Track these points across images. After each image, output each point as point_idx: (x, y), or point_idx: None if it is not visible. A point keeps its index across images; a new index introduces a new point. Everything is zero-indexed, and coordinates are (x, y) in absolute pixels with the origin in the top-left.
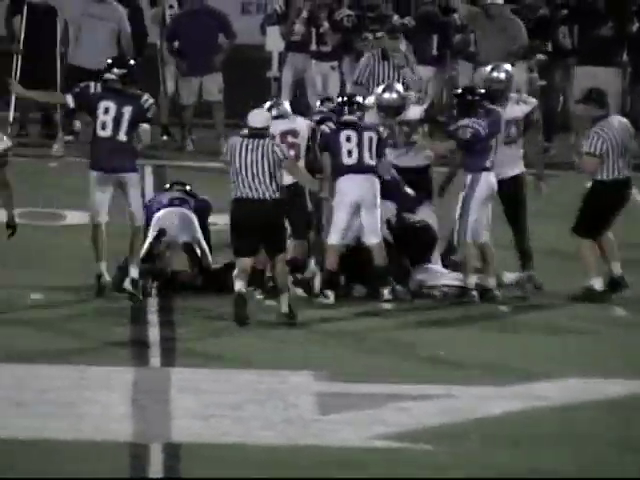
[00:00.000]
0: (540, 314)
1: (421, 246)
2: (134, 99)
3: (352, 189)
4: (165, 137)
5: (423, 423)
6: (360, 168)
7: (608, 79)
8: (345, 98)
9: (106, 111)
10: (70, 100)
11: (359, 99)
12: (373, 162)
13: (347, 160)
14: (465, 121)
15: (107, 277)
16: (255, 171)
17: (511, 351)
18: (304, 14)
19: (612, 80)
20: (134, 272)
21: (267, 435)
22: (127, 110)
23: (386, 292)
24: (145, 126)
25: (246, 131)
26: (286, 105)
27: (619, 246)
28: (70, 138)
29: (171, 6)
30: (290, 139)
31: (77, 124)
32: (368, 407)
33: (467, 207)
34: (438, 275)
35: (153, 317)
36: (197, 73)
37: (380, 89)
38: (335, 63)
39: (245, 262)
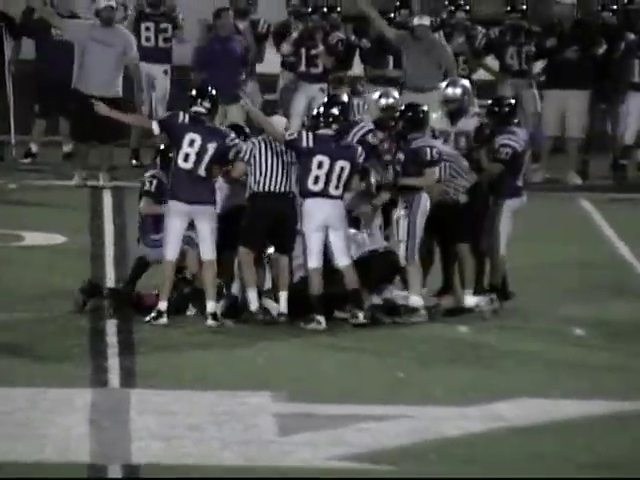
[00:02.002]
0: (499, 335)
1: (383, 270)
2: (221, 137)
3: (317, 211)
4: (134, 161)
5: (383, 444)
6: (324, 195)
7: (577, 102)
8: (321, 110)
9: (191, 144)
10: (156, 126)
11: (335, 111)
12: (338, 192)
13: (312, 186)
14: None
15: (165, 320)
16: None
17: (469, 372)
18: (294, 35)
19: (581, 103)
20: (211, 307)
21: (226, 456)
22: (211, 147)
23: (360, 314)
24: (239, 164)
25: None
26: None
27: (582, 266)
28: (28, 160)
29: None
30: None
31: (34, 147)
32: (327, 428)
33: (414, 227)
34: (397, 297)
35: (112, 338)
36: (222, 101)
37: (444, 83)
38: (324, 85)
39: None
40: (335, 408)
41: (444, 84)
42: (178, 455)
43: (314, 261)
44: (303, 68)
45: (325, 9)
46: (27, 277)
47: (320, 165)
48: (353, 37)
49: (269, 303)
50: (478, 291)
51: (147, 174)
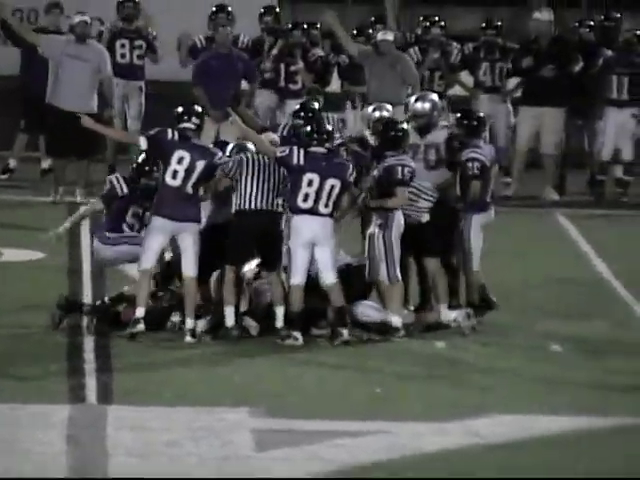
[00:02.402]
0: (476, 351)
1: (359, 285)
2: (209, 155)
3: (305, 228)
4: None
5: (359, 459)
6: (313, 213)
7: (552, 119)
8: (314, 127)
9: (180, 161)
10: (143, 142)
11: (329, 128)
12: (327, 210)
13: (302, 204)
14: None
15: (142, 326)
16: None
17: (447, 388)
18: (274, 51)
19: (557, 120)
20: (190, 323)
21: (203, 472)
22: (200, 164)
23: (345, 332)
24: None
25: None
26: None
27: (560, 282)
28: (5, 177)
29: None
30: None
31: (12, 162)
32: (305, 443)
33: (390, 244)
34: (372, 312)
35: (90, 355)
36: (216, 119)
37: (413, 98)
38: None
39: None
40: (313, 424)
41: (413, 99)
42: (155, 471)
43: (297, 277)
44: (282, 84)
45: (305, 25)
46: (5, 293)
47: (310, 183)
48: (332, 54)
49: (248, 322)
50: (454, 306)
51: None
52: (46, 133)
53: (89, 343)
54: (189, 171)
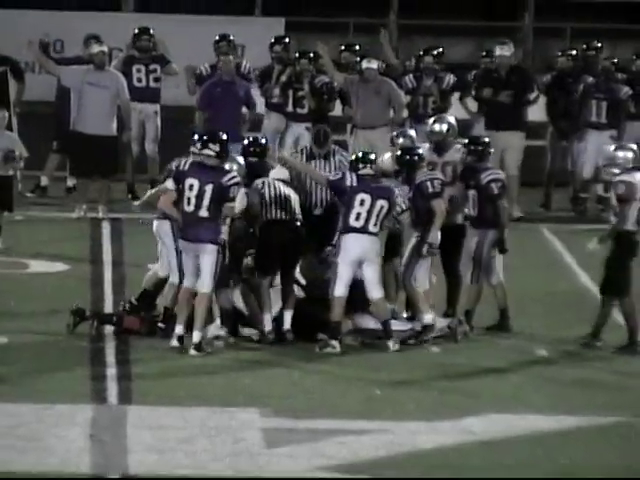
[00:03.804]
0: (468, 355)
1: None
2: (218, 176)
3: (356, 246)
4: (130, 195)
5: (360, 456)
6: (364, 231)
7: (512, 141)
8: (360, 154)
9: (190, 188)
10: (171, 184)
11: (372, 156)
12: (376, 229)
13: (354, 222)
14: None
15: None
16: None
17: (440, 389)
18: (283, 78)
19: (517, 142)
20: (196, 337)
21: (216, 467)
22: (209, 188)
23: (391, 343)
24: (228, 204)
25: None
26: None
27: (546, 292)
28: (32, 195)
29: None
30: None
31: (44, 180)
32: (309, 441)
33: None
34: (376, 321)
35: (111, 358)
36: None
37: (432, 120)
38: (310, 124)
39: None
40: (316, 423)
41: (431, 120)
42: (172, 466)
43: (340, 290)
44: (290, 108)
45: (312, 54)
46: (33, 301)
47: (362, 202)
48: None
49: (246, 331)
50: (449, 314)
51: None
52: (71, 155)
53: (110, 349)
54: (199, 196)
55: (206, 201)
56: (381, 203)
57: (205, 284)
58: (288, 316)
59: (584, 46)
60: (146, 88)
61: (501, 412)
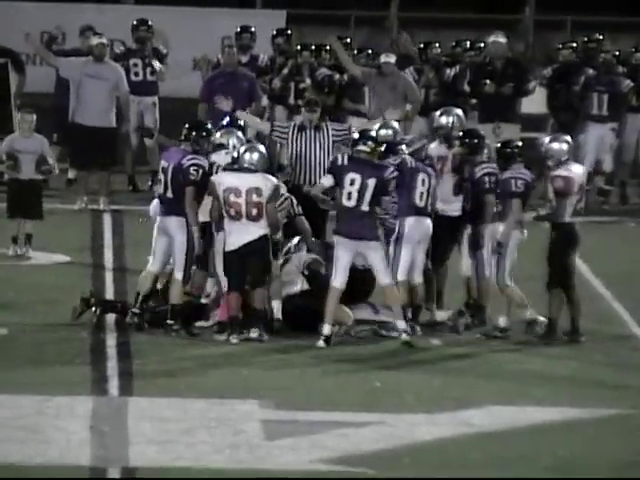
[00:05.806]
0: (468, 347)
1: (362, 287)
2: (379, 171)
3: (418, 229)
4: (131, 187)
5: (360, 448)
6: (425, 211)
7: (508, 134)
8: (359, 133)
9: (352, 183)
10: (330, 180)
11: (372, 134)
12: (368, 208)
13: (419, 202)
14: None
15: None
16: None
17: (440, 382)
18: (285, 71)
19: (513, 134)
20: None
21: (216, 459)
22: (371, 182)
23: (418, 328)
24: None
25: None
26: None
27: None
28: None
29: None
30: (255, 198)
31: (71, 173)
32: (310, 433)
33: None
34: (374, 312)
35: (112, 350)
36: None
37: (438, 112)
38: None
39: None
40: (317, 415)
41: (438, 113)
42: (172, 458)
43: (402, 273)
44: (292, 100)
45: (313, 47)
46: (34, 293)
47: (352, 182)
48: (338, 75)
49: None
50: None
51: (191, 162)
52: (70, 147)
53: (111, 340)
54: (361, 191)
55: (368, 195)
56: (372, 182)
57: (389, 275)
58: (277, 307)
59: (585, 39)
60: (143, 82)
61: (501, 404)
